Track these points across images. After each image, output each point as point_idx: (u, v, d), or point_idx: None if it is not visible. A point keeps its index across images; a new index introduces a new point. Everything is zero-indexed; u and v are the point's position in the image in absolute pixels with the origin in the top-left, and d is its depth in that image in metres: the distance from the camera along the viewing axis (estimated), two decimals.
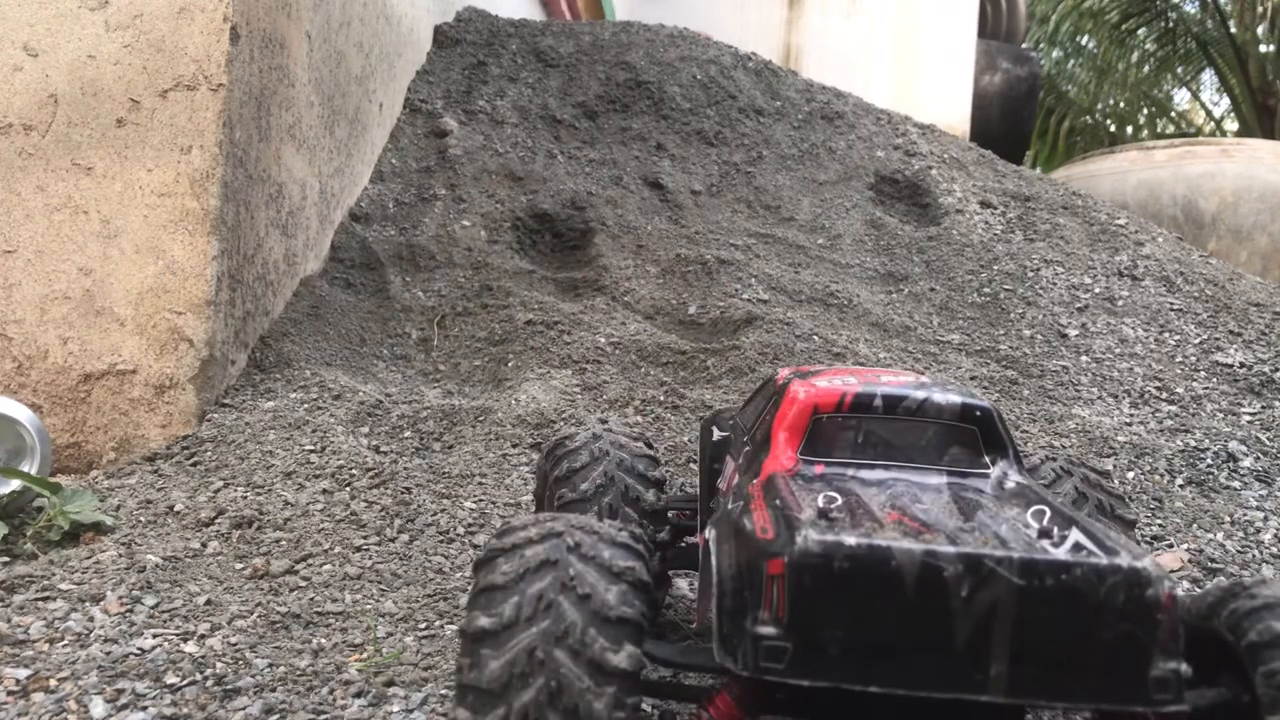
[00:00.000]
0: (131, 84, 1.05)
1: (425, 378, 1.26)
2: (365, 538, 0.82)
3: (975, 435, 0.51)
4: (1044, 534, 0.42)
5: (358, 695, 0.60)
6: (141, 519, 0.85)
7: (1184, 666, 0.38)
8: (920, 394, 0.51)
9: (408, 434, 1.04)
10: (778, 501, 0.44)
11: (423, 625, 0.70)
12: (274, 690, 0.60)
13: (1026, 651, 0.37)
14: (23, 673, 0.60)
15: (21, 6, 1.05)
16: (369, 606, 0.72)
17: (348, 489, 0.90)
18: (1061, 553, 0.39)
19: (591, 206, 1.67)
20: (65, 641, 0.64)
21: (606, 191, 1.74)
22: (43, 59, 1.05)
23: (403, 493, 0.89)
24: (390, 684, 0.61)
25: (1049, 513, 0.45)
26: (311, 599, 0.72)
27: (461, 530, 0.85)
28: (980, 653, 0.37)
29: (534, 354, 1.27)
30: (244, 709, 0.58)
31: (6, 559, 0.78)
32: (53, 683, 0.59)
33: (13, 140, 1.05)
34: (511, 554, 0.42)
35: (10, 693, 0.58)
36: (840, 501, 0.44)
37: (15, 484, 0.85)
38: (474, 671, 0.39)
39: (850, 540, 0.38)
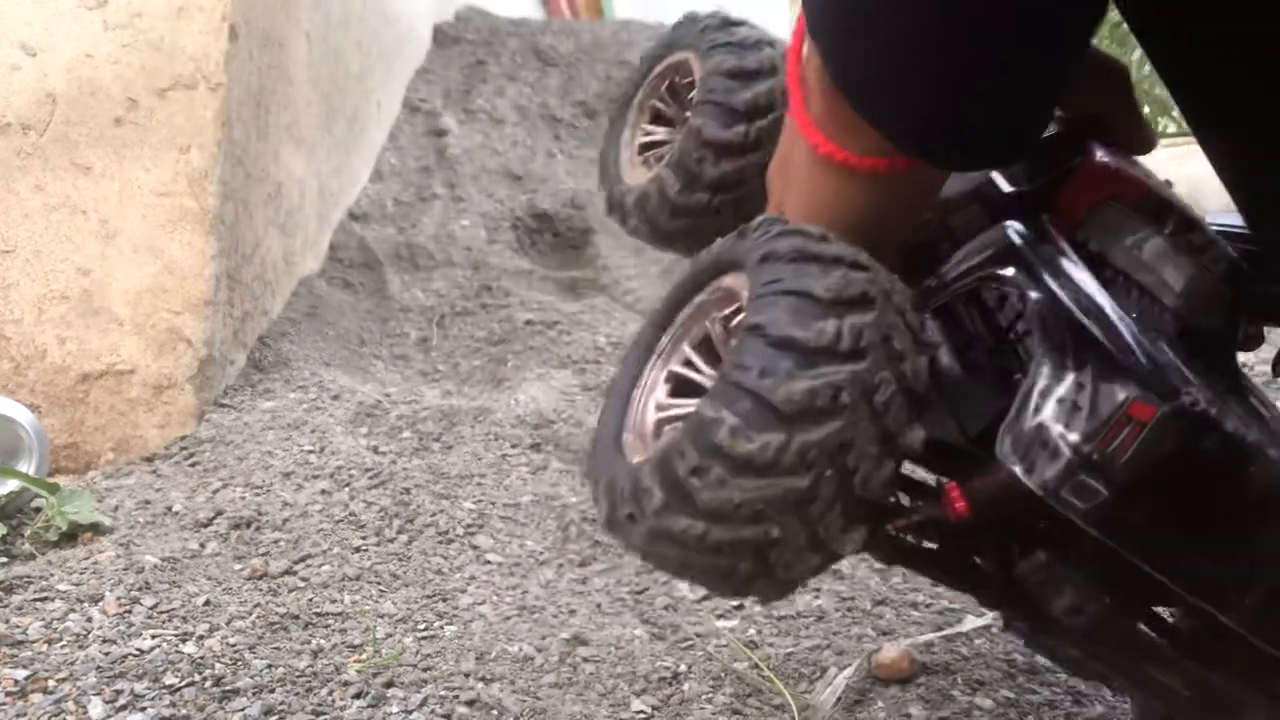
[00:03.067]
0: (130, 83, 1.04)
1: (424, 378, 1.25)
2: (364, 538, 0.82)
3: (1231, 306, 0.42)
4: None
5: (357, 696, 0.60)
6: (140, 519, 0.85)
7: None
8: (1211, 231, 0.42)
9: (406, 434, 1.04)
10: (1101, 303, 0.36)
11: (422, 626, 0.70)
12: (273, 691, 0.60)
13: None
14: (21, 673, 0.60)
15: (19, 5, 1.05)
16: (368, 607, 0.71)
17: (346, 489, 0.90)
18: None
19: (591, 205, 1.67)
20: (64, 642, 0.64)
21: None
22: (41, 58, 1.05)
23: (402, 493, 0.89)
24: (390, 685, 0.61)
25: None
26: (310, 599, 0.72)
27: (461, 531, 0.85)
28: (1250, 579, 0.34)
29: (533, 354, 1.27)
30: (243, 710, 0.58)
31: (5, 559, 0.78)
32: (51, 683, 0.59)
33: (11, 140, 1.04)
34: (830, 268, 0.36)
35: (9, 693, 0.58)
36: (1154, 330, 0.37)
37: (13, 484, 0.85)
38: (768, 380, 0.34)
39: (1229, 426, 0.32)
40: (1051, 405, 0.34)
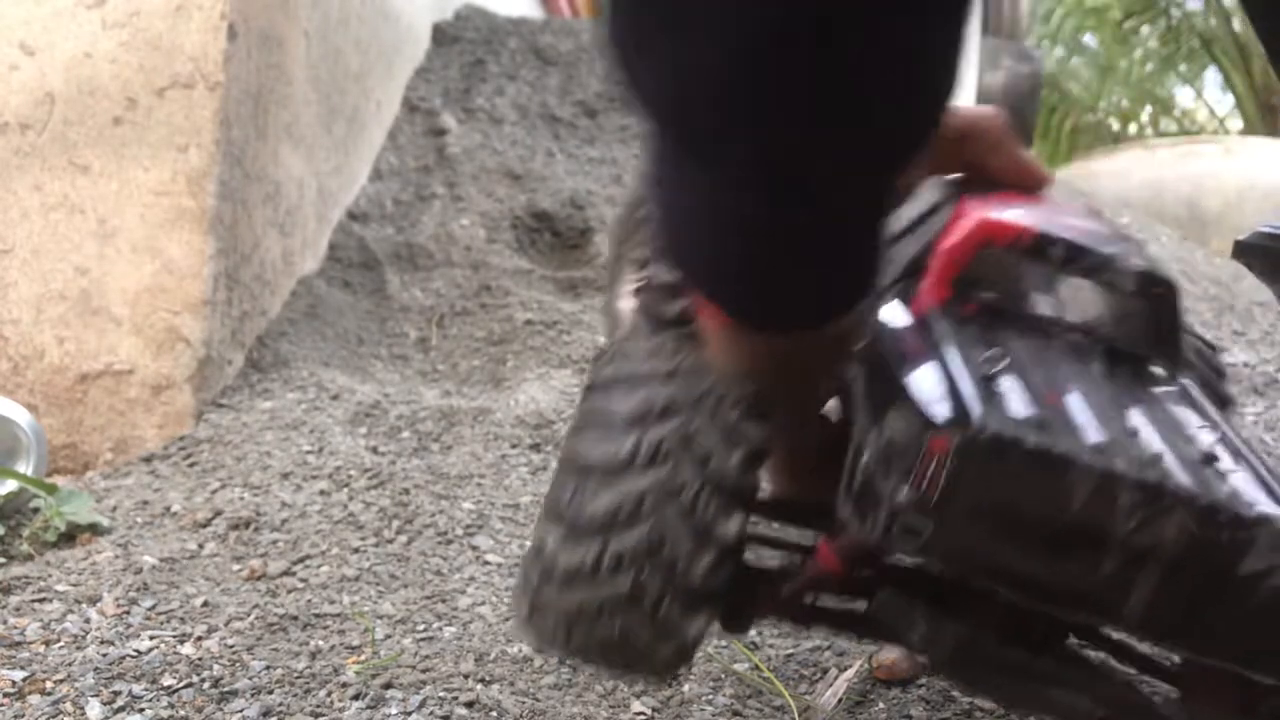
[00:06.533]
0: (128, 82, 1.04)
1: (423, 378, 1.25)
2: (363, 539, 0.82)
3: (1151, 314, 0.42)
4: (1208, 460, 0.36)
5: (355, 698, 0.59)
6: (138, 520, 0.85)
7: None
8: (1107, 250, 0.42)
9: (406, 434, 1.04)
10: (938, 356, 0.38)
11: (421, 627, 0.69)
12: (271, 692, 0.59)
13: (1171, 595, 0.33)
14: (19, 674, 0.60)
15: (18, 4, 1.04)
16: (367, 608, 0.71)
17: (345, 490, 0.89)
18: (1240, 503, 0.34)
19: (591, 205, 1.66)
20: (61, 643, 0.64)
21: (606, 190, 1.73)
22: (39, 57, 1.05)
23: (401, 494, 0.89)
24: (388, 686, 0.61)
25: (1218, 435, 0.38)
26: (309, 600, 0.72)
27: (460, 531, 0.84)
28: (1123, 585, 0.34)
29: (533, 354, 1.27)
30: (241, 711, 0.57)
31: (3, 560, 0.78)
32: (49, 684, 0.59)
33: (9, 139, 1.04)
34: (636, 387, 0.39)
35: (6, 694, 0.58)
36: (1000, 367, 0.38)
37: (11, 485, 0.85)
38: (576, 501, 0.38)
39: (1030, 442, 0.33)
40: (868, 458, 0.36)
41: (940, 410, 0.34)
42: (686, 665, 0.42)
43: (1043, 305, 0.42)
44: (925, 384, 0.36)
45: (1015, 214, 0.42)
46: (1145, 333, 0.42)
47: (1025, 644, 0.39)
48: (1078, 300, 0.42)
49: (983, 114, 0.45)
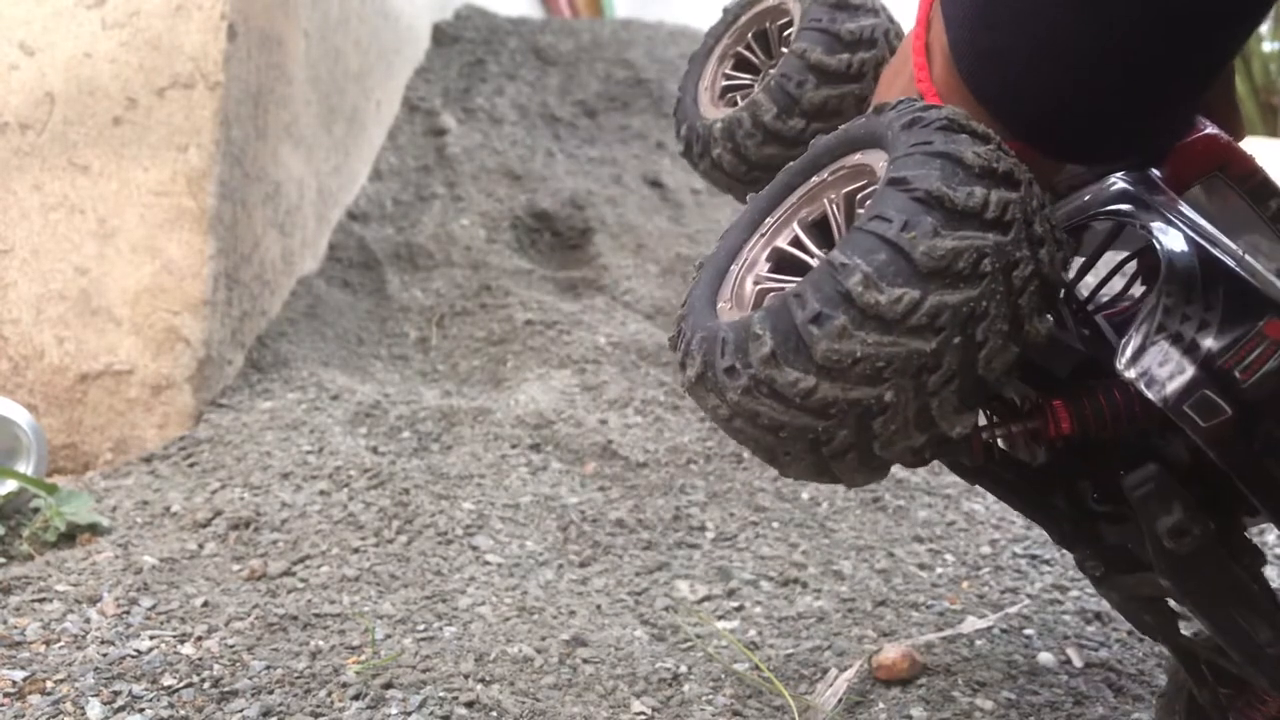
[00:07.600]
0: (128, 82, 1.04)
1: (423, 378, 1.25)
2: (363, 539, 0.82)
3: None
4: None
5: (356, 698, 0.59)
6: (138, 520, 0.85)
7: None
8: None
9: (406, 434, 1.04)
10: (1235, 246, 0.36)
11: (421, 627, 0.69)
12: (271, 692, 0.59)
13: None
14: (19, 674, 0.60)
15: (18, 4, 1.04)
16: (367, 608, 0.71)
17: (345, 490, 0.89)
18: None
19: (591, 205, 1.66)
20: (62, 643, 0.64)
21: (606, 190, 1.73)
22: (39, 57, 1.04)
23: (401, 494, 0.89)
24: (389, 686, 0.61)
25: None
26: (309, 601, 0.72)
27: (460, 531, 0.84)
28: None
29: (533, 354, 1.27)
30: (241, 711, 0.57)
31: (3, 560, 0.78)
32: (49, 684, 0.59)
33: (9, 139, 1.04)
34: (981, 141, 0.35)
35: (7, 694, 0.58)
36: None
37: (11, 485, 0.85)
38: (910, 234, 0.33)
39: None
40: (1178, 323, 0.33)
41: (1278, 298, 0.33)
42: (879, 480, 0.37)
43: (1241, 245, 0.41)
44: (1244, 264, 0.34)
45: (1250, 152, 0.42)
46: None
47: (1244, 565, 0.37)
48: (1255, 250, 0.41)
49: None
